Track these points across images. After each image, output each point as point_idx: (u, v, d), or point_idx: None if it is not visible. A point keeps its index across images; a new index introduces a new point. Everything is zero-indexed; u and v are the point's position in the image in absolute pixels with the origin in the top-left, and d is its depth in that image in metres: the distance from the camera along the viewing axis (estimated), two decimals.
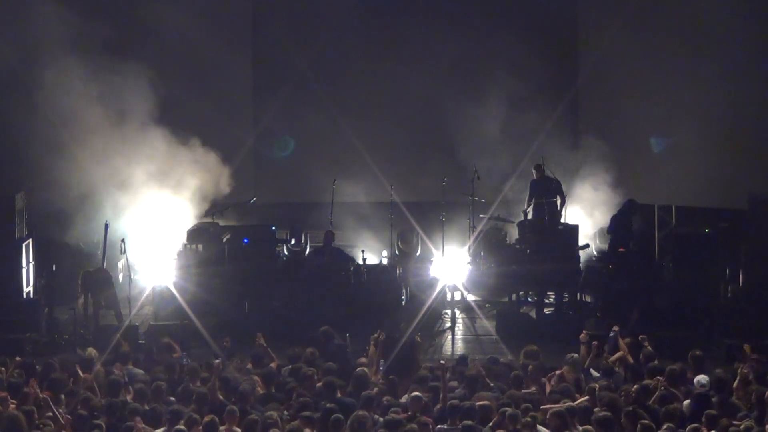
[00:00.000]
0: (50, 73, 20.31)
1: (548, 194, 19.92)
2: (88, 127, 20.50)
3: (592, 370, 14.57)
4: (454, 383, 13.82)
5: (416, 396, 12.90)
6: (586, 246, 20.28)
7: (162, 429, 12.43)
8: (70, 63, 20.32)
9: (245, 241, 19.56)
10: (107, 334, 17.03)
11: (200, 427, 12.24)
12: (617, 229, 19.58)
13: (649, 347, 14.78)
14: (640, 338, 14.99)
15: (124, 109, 20.76)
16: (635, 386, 13.09)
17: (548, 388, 13.80)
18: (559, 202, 20.12)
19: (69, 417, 12.56)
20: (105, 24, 20.78)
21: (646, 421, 12.10)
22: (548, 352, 15.32)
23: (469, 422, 12.22)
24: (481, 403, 12.86)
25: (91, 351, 15.15)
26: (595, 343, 14.84)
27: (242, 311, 19.04)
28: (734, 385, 13.49)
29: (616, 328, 15.23)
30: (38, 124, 20.31)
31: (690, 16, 21.69)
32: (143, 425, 12.21)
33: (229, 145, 22.54)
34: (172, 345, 15.67)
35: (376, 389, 13.65)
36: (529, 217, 20.05)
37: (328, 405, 12.65)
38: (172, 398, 13.40)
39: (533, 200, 20.05)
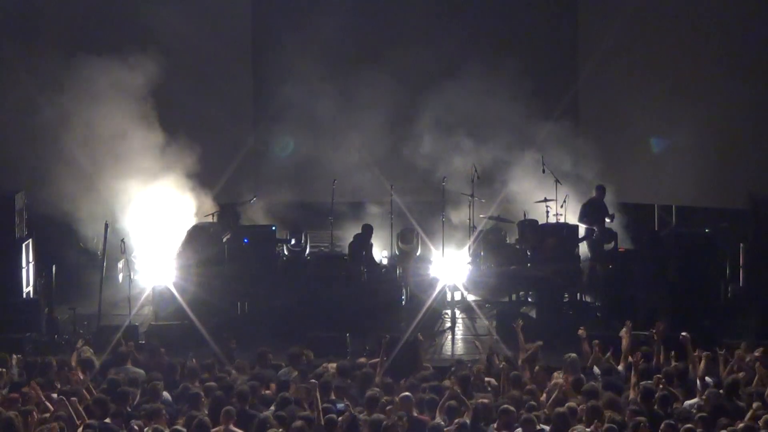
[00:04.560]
0: (48, 73, 20.34)
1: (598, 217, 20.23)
2: (88, 128, 20.50)
3: (595, 368, 14.56)
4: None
5: (405, 396, 12.89)
6: (584, 239, 20.34)
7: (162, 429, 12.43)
8: (69, 63, 20.34)
9: (245, 241, 19.58)
10: (107, 334, 17.02)
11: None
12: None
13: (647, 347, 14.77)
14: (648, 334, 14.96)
15: (124, 110, 20.76)
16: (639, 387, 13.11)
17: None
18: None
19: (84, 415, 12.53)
20: (104, 24, 20.79)
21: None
22: (548, 352, 15.30)
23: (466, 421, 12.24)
24: (482, 401, 12.91)
25: (87, 350, 15.16)
26: (597, 341, 14.78)
27: (242, 311, 19.04)
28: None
29: (628, 323, 15.13)
30: (38, 125, 20.32)
31: (690, 17, 21.70)
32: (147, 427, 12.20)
33: (229, 145, 22.56)
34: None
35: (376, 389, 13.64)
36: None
37: (323, 405, 12.66)
38: (170, 398, 13.41)
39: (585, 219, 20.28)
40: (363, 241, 19.87)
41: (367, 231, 20.01)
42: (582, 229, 20.25)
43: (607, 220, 20.28)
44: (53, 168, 20.05)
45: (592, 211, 20.32)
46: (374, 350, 15.59)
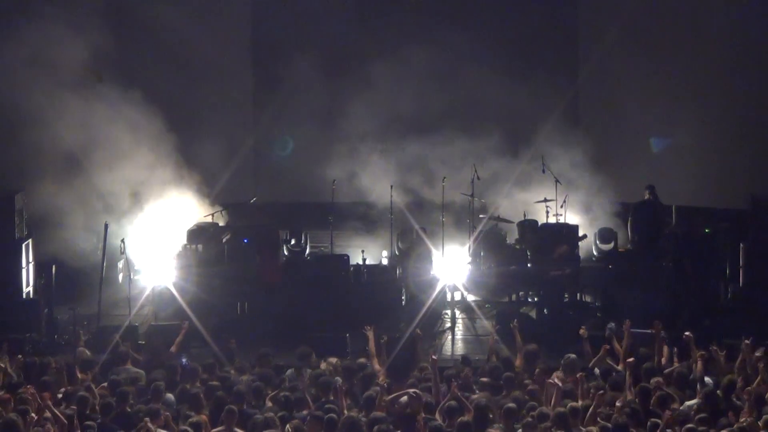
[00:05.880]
0: (49, 74, 20.33)
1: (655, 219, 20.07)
2: (89, 129, 20.49)
3: (596, 370, 14.55)
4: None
5: (416, 394, 12.87)
6: (584, 237, 20.32)
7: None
8: (69, 64, 20.34)
9: (245, 241, 19.57)
10: (107, 334, 17.01)
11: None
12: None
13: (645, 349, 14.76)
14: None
15: (123, 110, 20.75)
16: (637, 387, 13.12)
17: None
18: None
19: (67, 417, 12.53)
20: (104, 25, 20.79)
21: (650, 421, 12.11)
22: (548, 352, 15.30)
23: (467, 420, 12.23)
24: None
25: (84, 351, 15.14)
26: (606, 347, 14.76)
27: (242, 312, 19.03)
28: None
29: (627, 322, 15.10)
30: (39, 126, 20.31)
31: (690, 17, 21.71)
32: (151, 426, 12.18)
33: (229, 145, 22.56)
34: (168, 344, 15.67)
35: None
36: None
37: (326, 405, 12.66)
38: (172, 399, 13.40)
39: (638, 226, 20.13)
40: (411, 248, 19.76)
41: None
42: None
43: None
44: (54, 169, 20.05)
45: (644, 212, 20.21)
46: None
